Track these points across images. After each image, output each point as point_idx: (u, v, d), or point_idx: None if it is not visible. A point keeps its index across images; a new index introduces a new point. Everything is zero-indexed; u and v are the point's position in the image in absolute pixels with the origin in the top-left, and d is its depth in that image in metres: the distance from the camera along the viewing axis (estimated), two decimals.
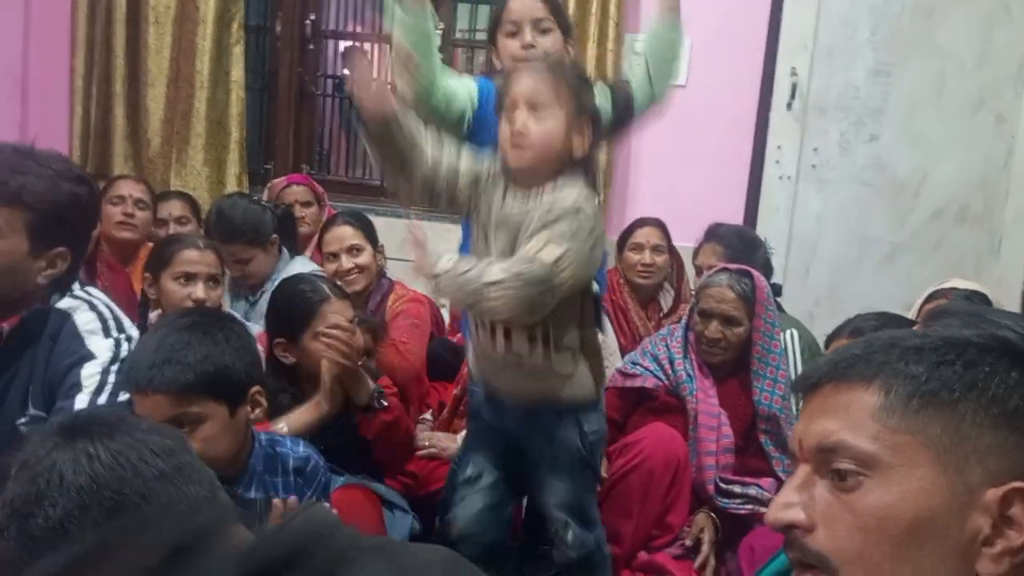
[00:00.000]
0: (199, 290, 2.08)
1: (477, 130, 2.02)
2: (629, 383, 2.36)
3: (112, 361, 1.46)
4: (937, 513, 0.72)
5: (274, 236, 2.68)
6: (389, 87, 1.66)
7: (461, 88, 2.03)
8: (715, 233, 2.79)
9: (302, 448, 1.54)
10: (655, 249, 2.94)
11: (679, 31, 2.09)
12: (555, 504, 1.79)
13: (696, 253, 2.82)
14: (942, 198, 3.37)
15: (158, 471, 0.81)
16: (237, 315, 2.53)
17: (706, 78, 3.30)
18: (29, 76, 3.56)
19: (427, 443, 2.40)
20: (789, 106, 3.29)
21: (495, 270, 1.50)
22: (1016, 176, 3.30)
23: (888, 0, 3.28)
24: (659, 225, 2.98)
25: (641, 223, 2.98)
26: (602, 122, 1.70)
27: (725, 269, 2.31)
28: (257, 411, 1.42)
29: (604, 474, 2.20)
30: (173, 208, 3.03)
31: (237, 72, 3.56)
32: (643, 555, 2.11)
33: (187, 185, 3.52)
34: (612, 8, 3.25)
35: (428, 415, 2.63)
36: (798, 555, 0.77)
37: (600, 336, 2.55)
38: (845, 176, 3.38)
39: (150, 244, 2.78)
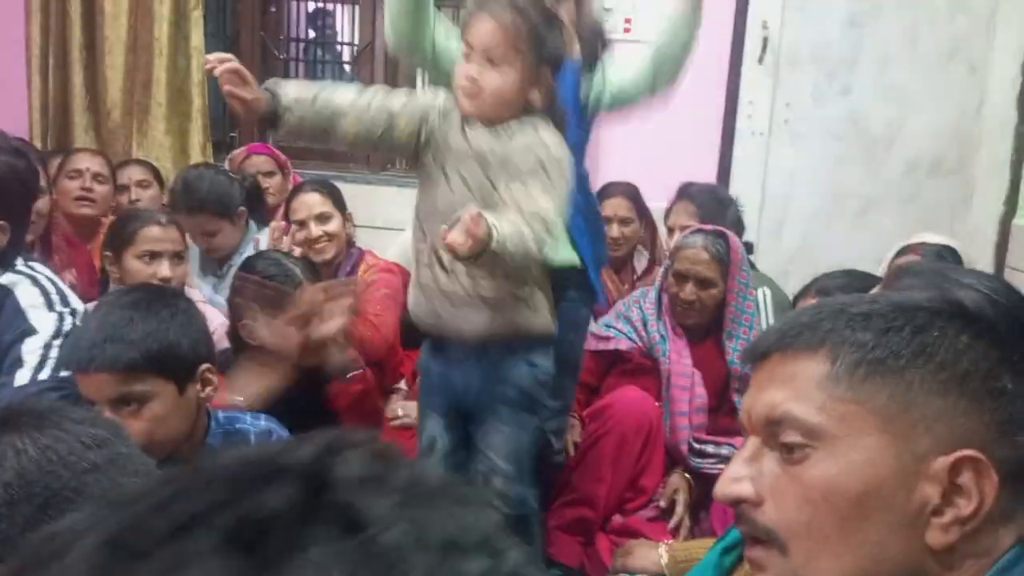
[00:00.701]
0: (164, 268, 2.04)
1: None
2: (603, 346, 2.37)
3: (55, 335, 1.43)
4: (884, 484, 0.70)
5: (242, 209, 2.64)
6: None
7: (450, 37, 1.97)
8: (686, 192, 2.76)
9: (263, 422, 1.52)
10: (622, 222, 2.89)
11: (695, 28, 1.96)
12: (488, 446, 1.74)
13: (668, 213, 2.79)
14: (915, 150, 3.35)
15: (90, 463, 0.78)
16: (205, 291, 2.51)
17: None
18: None
19: (400, 413, 2.39)
20: (760, 60, 3.24)
21: (530, 239, 1.50)
22: (988, 126, 3.28)
23: None
24: (627, 194, 2.92)
25: (608, 192, 2.92)
26: (564, 65, 1.65)
27: (700, 230, 2.30)
28: (208, 389, 1.39)
29: (577, 440, 2.20)
30: (133, 173, 2.98)
31: (197, 38, 3.46)
32: (617, 518, 2.12)
33: (150, 155, 3.44)
34: None
35: (402, 384, 2.61)
36: (748, 529, 0.76)
37: None
38: (818, 130, 3.34)
39: (111, 219, 2.73)
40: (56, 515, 0.77)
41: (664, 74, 1.97)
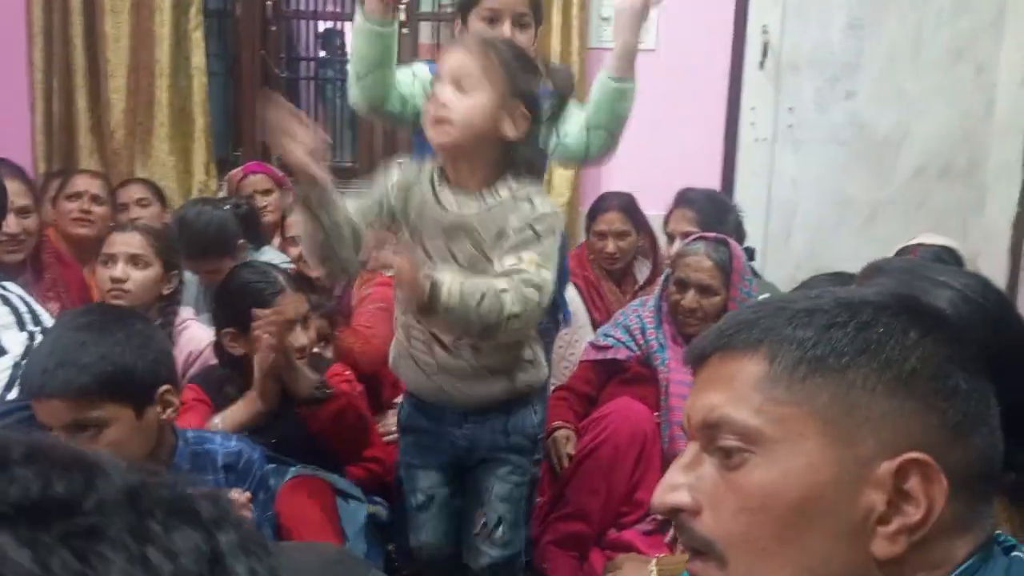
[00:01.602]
0: (117, 269, 2.03)
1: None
2: (601, 355, 2.34)
3: (25, 355, 1.41)
4: (825, 490, 0.65)
5: (240, 241, 2.63)
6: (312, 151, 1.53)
7: (415, 84, 1.91)
8: (685, 198, 2.71)
9: (234, 442, 1.48)
10: (618, 235, 2.84)
11: (632, 84, 1.94)
12: (496, 495, 1.70)
13: (667, 219, 2.75)
14: (923, 154, 3.28)
15: None
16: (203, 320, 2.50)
17: (675, 40, 3.21)
18: None
19: (394, 429, 2.36)
20: (761, 65, 3.20)
21: (508, 299, 1.43)
22: (998, 128, 3.21)
23: None
24: (622, 206, 2.86)
25: (605, 206, 2.88)
26: (542, 110, 1.60)
27: (702, 238, 2.28)
28: (169, 411, 1.35)
29: (571, 452, 2.16)
30: (133, 192, 2.99)
31: (198, 58, 3.48)
32: (612, 532, 2.07)
33: (153, 176, 3.44)
34: None
35: (400, 399, 2.58)
36: (686, 540, 0.72)
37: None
38: (822, 136, 3.29)
39: None
40: None
41: (598, 147, 1.94)
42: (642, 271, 2.97)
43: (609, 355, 2.31)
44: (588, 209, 2.97)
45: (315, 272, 2.49)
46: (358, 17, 1.76)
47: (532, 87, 1.57)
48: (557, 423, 2.24)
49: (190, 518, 0.33)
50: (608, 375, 2.35)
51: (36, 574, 0.28)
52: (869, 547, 0.65)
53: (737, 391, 0.69)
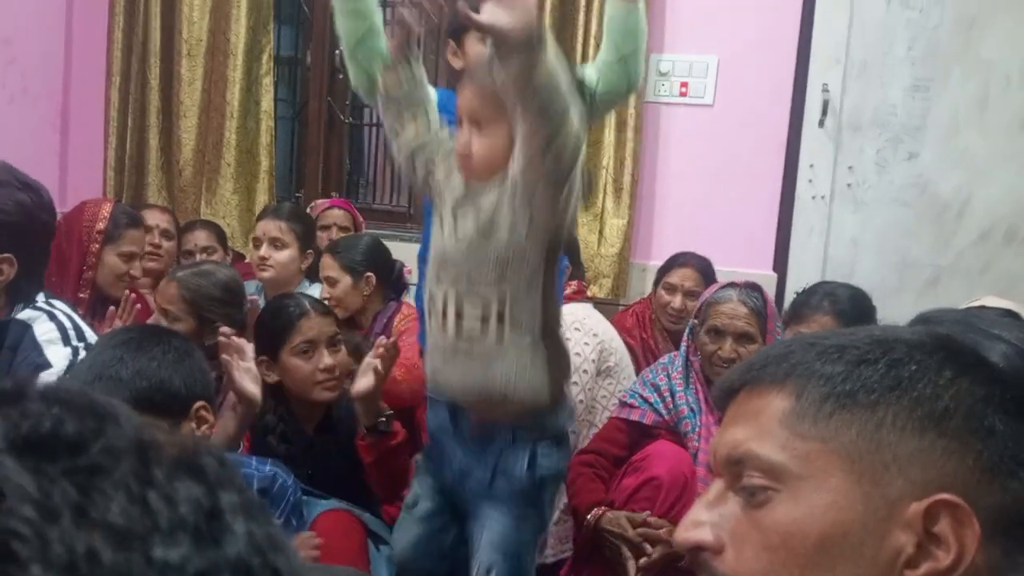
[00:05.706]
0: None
1: None
2: (626, 414, 2.21)
3: (68, 369, 1.45)
4: (850, 529, 0.63)
5: None
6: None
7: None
8: (825, 303, 2.40)
9: (268, 467, 1.49)
10: (689, 294, 2.74)
11: (639, 10, 1.91)
12: (487, 541, 1.59)
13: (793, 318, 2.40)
14: (988, 219, 3.20)
15: None
16: None
17: (734, 94, 3.21)
18: (69, 107, 3.67)
19: None
20: (821, 123, 3.17)
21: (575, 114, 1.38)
22: None
23: (926, 13, 3.15)
24: (699, 267, 2.77)
25: (681, 262, 2.80)
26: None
27: (732, 284, 2.16)
28: (204, 427, 1.36)
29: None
30: (199, 238, 3.06)
31: (267, 102, 3.60)
32: None
33: (217, 214, 3.57)
34: None
35: None
36: None
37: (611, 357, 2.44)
38: (883, 196, 3.23)
39: None
40: None
41: (637, 60, 1.92)
42: None
43: (634, 417, 2.18)
44: (662, 264, 2.92)
45: (343, 314, 2.51)
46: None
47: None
48: (596, 510, 1.99)
49: (195, 473, 0.34)
50: (638, 436, 2.18)
51: (36, 499, 0.29)
52: None
53: (763, 426, 0.67)
